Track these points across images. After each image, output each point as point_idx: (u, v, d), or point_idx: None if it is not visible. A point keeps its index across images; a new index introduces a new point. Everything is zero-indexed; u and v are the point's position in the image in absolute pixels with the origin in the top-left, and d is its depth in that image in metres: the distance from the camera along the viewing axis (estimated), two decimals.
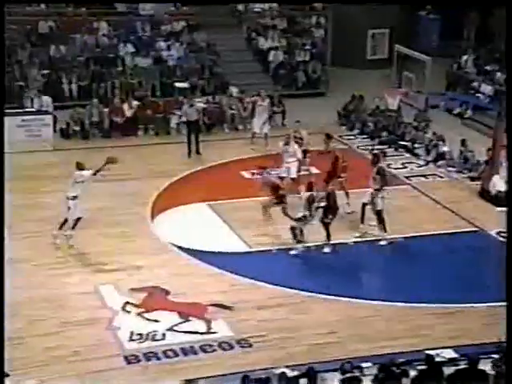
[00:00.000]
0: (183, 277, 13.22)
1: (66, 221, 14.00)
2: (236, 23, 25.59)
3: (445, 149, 18.97)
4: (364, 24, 26.57)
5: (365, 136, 20.94)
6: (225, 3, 25.14)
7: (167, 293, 12.63)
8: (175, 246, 14.33)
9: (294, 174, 16.17)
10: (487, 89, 22.05)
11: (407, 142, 20.06)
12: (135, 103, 21.01)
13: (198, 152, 19.20)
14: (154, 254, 13.98)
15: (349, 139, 20.76)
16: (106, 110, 20.76)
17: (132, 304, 12.28)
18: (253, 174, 17.79)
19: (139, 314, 12.04)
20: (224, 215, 15.45)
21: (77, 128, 20.31)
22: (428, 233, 15.11)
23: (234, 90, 22.29)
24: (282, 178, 16.22)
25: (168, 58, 23.61)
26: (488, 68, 23.37)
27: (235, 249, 14.33)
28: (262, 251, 14.18)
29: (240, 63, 24.25)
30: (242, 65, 24.24)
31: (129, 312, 12.11)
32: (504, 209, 15.99)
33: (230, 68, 23.79)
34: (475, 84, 22.76)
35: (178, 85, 22.44)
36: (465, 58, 24.09)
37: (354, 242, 14.56)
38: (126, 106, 20.78)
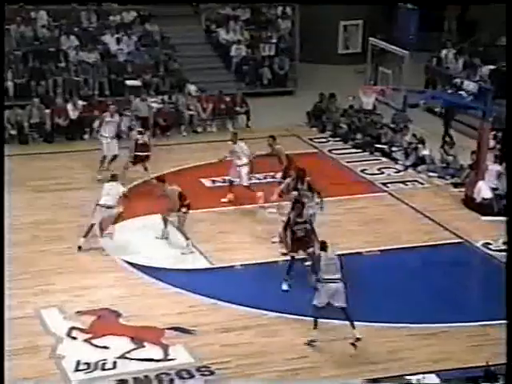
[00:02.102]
0: (136, 297, 13.15)
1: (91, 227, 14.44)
2: (193, 13, 25.62)
3: (425, 152, 19.20)
4: (335, 15, 26.81)
5: (337, 139, 21.12)
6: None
7: (118, 315, 12.55)
8: (127, 262, 14.26)
9: (246, 181, 16.04)
10: (471, 85, 22.34)
11: (384, 145, 20.27)
12: (81, 103, 20.88)
13: None
14: (103, 272, 13.89)
15: (319, 142, 20.90)
16: (48, 111, 20.61)
17: (78, 329, 12.17)
18: (213, 181, 17.84)
19: (86, 341, 11.93)
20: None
21: (14, 132, 20.12)
22: (407, 245, 15.25)
23: (192, 89, 22.31)
24: (231, 185, 16.17)
25: (117, 52, 23.54)
26: (471, 62, 23.71)
27: (195, 265, 14.30)
28: (225, 267, 14.18)
29: (198, 58, 24.28)
30: (201, 60, 24.27)
31: (75, 338, 11.99)
32: (490, 218, 16.26)
33: (188, 64, 23.80)
34: (457, 80, 23.06)
35: (128, 83, 22.37)
36: (445, 51, 24.44)
37: None
38: (70, 107, 20.66)
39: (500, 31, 23.80)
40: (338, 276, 11.83)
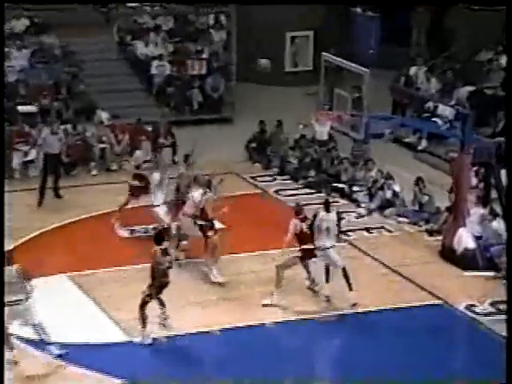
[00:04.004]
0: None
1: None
2: (103, 22, 25.60)
3: (395, 189, 19.32)
4: (280, 24, 27.08)
5: (286, 176, 21.19)
6: None
7: None
8: (19, 338, 13.88)
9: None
10: (446, 110, 22.77)
11: (343, 183, 20.39)
12: None
13: (57, 195, 19.29)
14: None
15: (263, 181, 20.93)
16: None
17: None
18: (132, 231, 17.66)
19: None
20: (91, 291, 15.31)
21: None
22: (371, 308, 15.24)
23: (103, 116, 22.18)
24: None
25: (6, 70, 23.29)
26: (446, 83, 24.15)
27: (107, 338, 14.14)
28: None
29: (111, 77, 24.23)
30: (114, 80, 24.26)
31: None
32: (474, 273, 16.39)
33: (97, 85, 23.70)
34: (430, 104, 23.48)
35: (21, 109, 22.16)
36: (414, 69, 24.87)
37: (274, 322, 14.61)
38: None
39: (479, 44, 24.38)
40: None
